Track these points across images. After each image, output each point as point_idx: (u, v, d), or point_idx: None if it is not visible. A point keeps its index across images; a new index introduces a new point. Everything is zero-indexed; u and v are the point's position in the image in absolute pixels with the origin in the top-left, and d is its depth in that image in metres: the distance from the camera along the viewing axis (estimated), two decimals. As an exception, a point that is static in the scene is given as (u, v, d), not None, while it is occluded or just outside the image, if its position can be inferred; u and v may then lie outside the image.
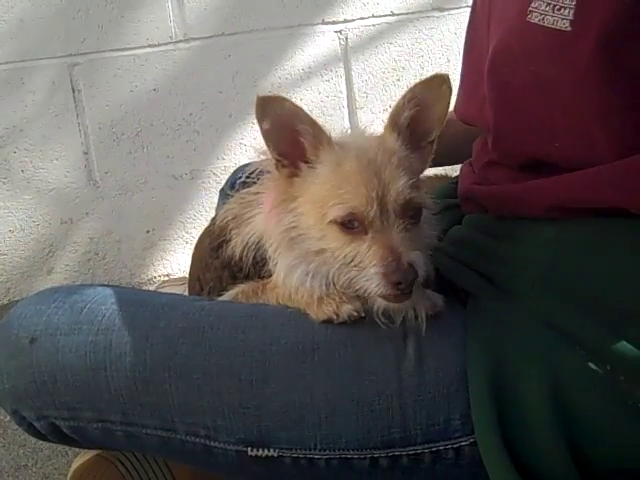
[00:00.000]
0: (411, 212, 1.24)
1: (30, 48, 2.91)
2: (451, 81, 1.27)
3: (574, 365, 1.17)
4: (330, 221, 1.22)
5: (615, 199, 1.19)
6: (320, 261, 1.25)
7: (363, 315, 1.25)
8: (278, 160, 1.28)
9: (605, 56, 1.15)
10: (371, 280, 1.19)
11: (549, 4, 1.19)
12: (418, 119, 1.30)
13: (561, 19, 1.17)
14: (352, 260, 1.21)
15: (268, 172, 1.37)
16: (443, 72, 1.27)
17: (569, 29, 1.17)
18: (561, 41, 1.18)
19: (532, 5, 1.21)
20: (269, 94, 1.21)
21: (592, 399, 1.16)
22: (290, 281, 1.28)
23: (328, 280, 1.26)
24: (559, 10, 1.18)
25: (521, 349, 1.20)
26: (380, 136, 1.31)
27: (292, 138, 1.26)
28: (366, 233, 1.21)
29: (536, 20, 1.20)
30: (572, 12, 1.16)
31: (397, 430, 1.23)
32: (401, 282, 1.17)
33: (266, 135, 1.24)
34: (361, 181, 1.21)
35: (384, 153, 1.25)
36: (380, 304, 1.23)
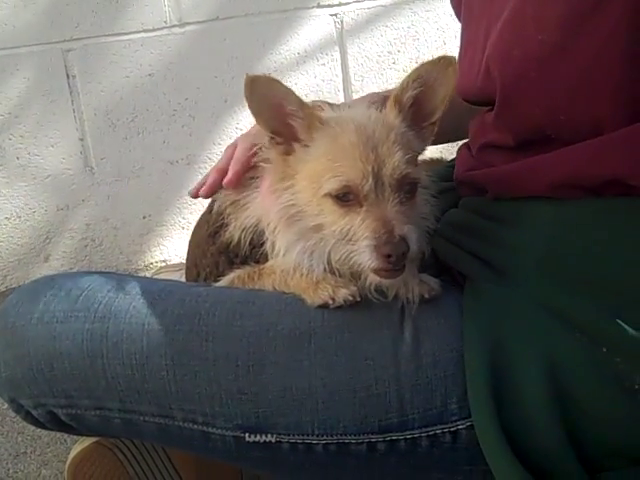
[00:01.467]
0: (407, 187, 1.24)
1: (24, 34, 2.89)
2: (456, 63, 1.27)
3: (571, 347, 1.17)
4: (325, 194, 1.22)
5: (619, 170, 1.17)
6: (318, 238, 1.26)
7: (359, 299, 1.25)
8: (271, 137, 1.28)
9: (632, 25, 1.12)
10: (363, 253, 1.19)
11: None
12: (422, 99, 1.30)
13: None
14: (347, 234, 1.22)
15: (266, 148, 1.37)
16: (450, 54, 1.27)
17: None
18: (582, 7, 1.16)
19: None
20: (258, 74, 1.22)
21: (588, 381, 1.16)
22: (289, 259, 1.29)
23: (326, 258, 1.26)
24: None
25: (518, 332, 1.20)
26: (381, 112, 1.31)
27: (282, 119, 1.26)
28: (361, 206, 1.21)
29: None
30: None
31: (394, 415, 1.24)
32: (391, 255, 1.17)
33: (255, 113, 1.25)
34: (357, 154, 1.22)
35: (382, 129, 1.25)
36: (372, 279, 1.23)
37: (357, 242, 1.21)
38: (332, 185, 1.21)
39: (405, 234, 1.18)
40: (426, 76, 1.27)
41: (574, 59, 1.19)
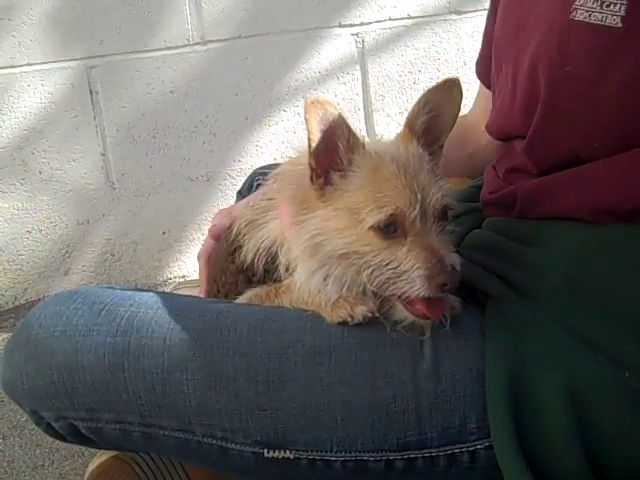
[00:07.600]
0: (445, 215, 1.25)
1: (48, 50, 2.94)
2: (462, 84, 1.28)
3: (592, 371, 1.17)
4: (370, 227, 1.21)
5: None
6: (346, 265, 1.25)
7: (377, 315, 1.25)
8: (313, 169, 1.27)
9: None
10: (414, 283, 1.19)
11: (597, 0, 1.16)
12: (431, 124, 1.30)
13: (611, 15, 1.15)
14: (388, 264, 1.21)
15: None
16: (454, 76, 1.28)
17: (620, 25, 1.15)
18: (610, 38, 1.16)
19: (577, 3, 1.19)
20: (317, 97, 1.21)
21: (609, 405, 1.16)
22: (308, 285, 1.28)
23: (352, 284, 1.25)
24: (608, 6, 1.16)
25: (540, 353, 1.20)
26: (401, 142, 1.31)
27: (331, 143, 1.25)
28: (405, 237, 1.21)
29: (581, 17, 1.18)
30: (623, 8, 1.15)
31: (413, 433, 1.23)
32: (447, 283, 1.17)
33: (312, 135, 1.23)
34: (401, 183, 1.21)
35: (414, 158, 1.26)
36: (407, 315, 1.23)
37: (406, 272, 1.19)
38: (378, 217, 1.20)
39: (454, 262, 1.19)
40: (433, 100, 1.28)
41: (604, 90, 1.19)
